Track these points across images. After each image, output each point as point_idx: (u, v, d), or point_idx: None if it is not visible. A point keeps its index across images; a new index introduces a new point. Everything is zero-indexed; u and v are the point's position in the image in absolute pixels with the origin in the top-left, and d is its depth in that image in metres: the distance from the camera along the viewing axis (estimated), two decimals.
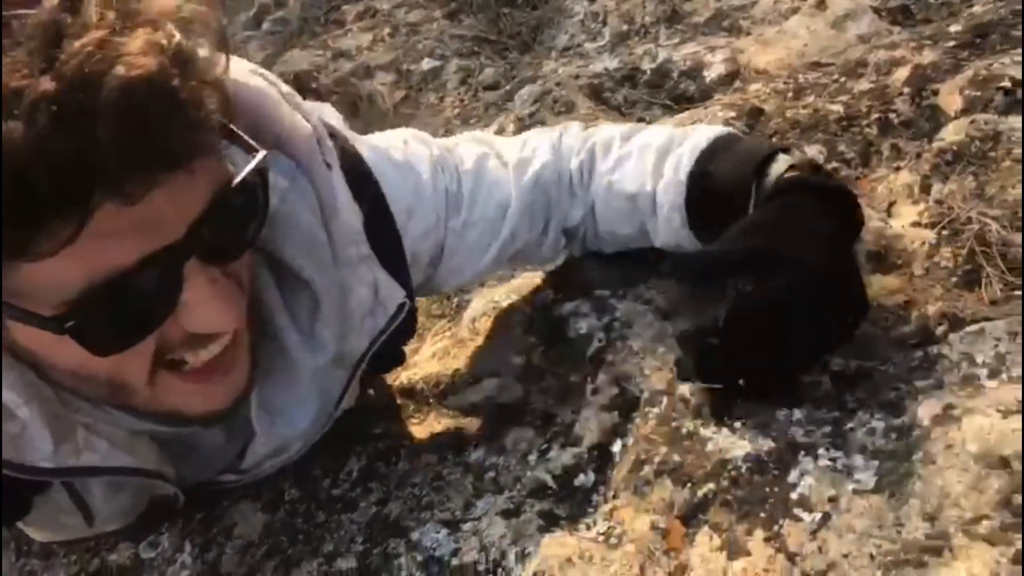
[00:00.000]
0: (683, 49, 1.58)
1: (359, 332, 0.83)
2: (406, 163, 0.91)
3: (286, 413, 0.82)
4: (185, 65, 0.53)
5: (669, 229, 0.93)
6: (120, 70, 0.48)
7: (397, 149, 0.92)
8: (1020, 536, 0.61)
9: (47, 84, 0.48)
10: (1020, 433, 0.66)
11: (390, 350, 0.93)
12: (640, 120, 1.44)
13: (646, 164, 0.94)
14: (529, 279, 1.15)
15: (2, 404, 0.64)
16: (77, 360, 0.61)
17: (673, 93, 1.49)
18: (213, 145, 0.59)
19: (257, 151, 0.61)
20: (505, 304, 1.13)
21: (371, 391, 1.08)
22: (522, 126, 1.60)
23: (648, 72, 1.55)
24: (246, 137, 0.61)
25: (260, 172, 0.61)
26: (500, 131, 1.62)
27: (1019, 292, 0.83)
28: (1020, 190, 0.95)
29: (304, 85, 2.05)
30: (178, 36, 0.52)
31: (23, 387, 0.65)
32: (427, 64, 2.07)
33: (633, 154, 0.96)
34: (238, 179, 0.60)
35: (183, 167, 0.55)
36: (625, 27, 1.79)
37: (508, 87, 1.84)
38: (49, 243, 0.52)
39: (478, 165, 0.95)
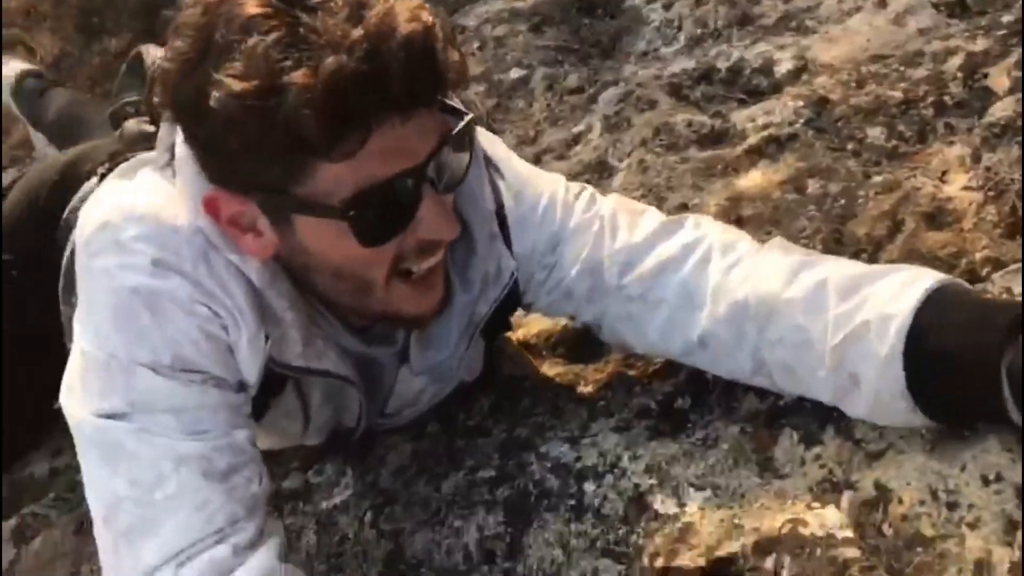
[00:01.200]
0: (754, 48, 1.74)
1: (484, 297, 1.01)
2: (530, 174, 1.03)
3: (436, 339, 1.01)
4: (442, 30, 0.75)
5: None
6: (404, 25, 0.71)
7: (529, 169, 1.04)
8: None
9: (358, 33, 0.69)
10: None
11: (501, 317, 1.08)
12: (716, 113, 1.61)
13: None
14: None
15: (272, 309, 0.84)
16: (342, 256, 0.81)
17: (747, 88, 1.66)
18: (449, 94, 0.80)
19: (466, 113, 0.82)
20: None
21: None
22: (608, 124, 1.78)
23: (723, 70, 1.72)
24: (456, 102, 0.83)
25: (469, 127, 0.82)
26: (587, 129, 1.81)
27: None
28: None
29: None
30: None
31: (289, 295, 0.85)
32: (515, 73, 2.26)
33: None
34: (458, 128, 0.81)
35: (435, 103, 0.77)
36: (699, 31, 1.96)
37: (592, 90, 2.02)
38: (348, 146, 0.71)
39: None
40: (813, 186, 1.29)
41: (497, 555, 0.96)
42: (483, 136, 0.98)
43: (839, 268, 0.86)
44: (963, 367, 0.73)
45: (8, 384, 1.31)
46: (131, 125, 1.16)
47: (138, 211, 0.82)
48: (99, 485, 0.82)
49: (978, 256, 1.01)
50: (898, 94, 1.37)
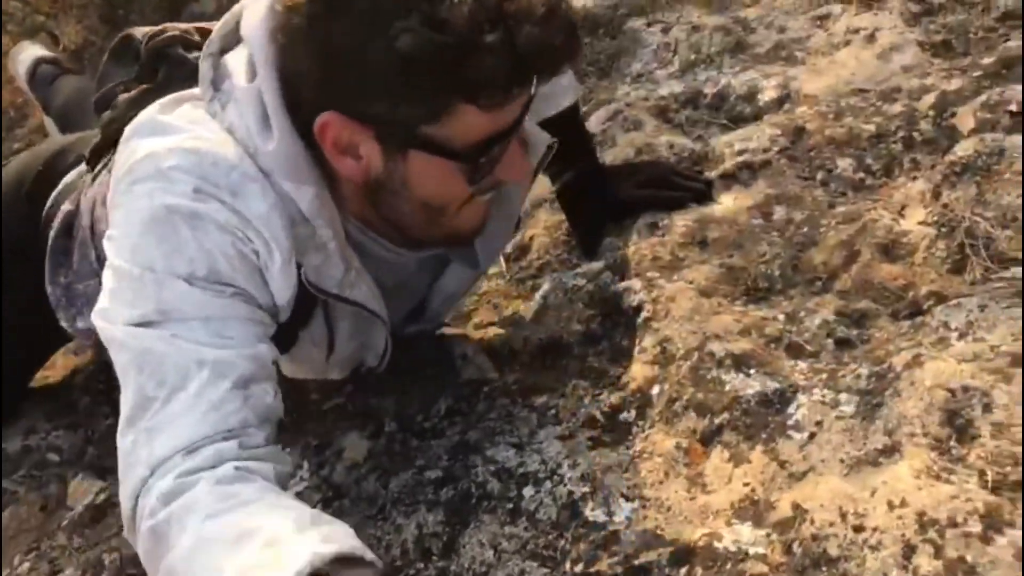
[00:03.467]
0: (742, 76, 1.77)
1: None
2: None
3: (493, 231, 1.08)
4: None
5: None
6: (565, 5, 0.82)
7: None
8: (957, 446, 0.78)
9: (541, 6, 0.79)
10: (967, 371, 0.84)
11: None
12: (699, 137, 1.64)
13: None
14: (590, 266, 1.36)
15: (318, 237, 0.91)
16: (441, 191, 0.91)
17: (730, 114, 1.68)
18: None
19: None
20: (571, 284, 1.34)
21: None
22: (596, 141, 1.81)
23: (709, 96, 1.75)
24: None
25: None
26: None
27: (995, 276, 1.00)
28: (1014, 197, 1.11)
29: None
30: None
31: (334, 224, 0.92)
32: None
33: None
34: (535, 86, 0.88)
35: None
36: (693, 56, 1.99)
37: (585, 108, 2.05)
38: (502, 99, 0.83)
39: None
40: (779, 212, 1.31)
41: (433, 553, 0.98)
42: None
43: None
44: None
45: None
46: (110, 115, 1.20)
47: (183, 144, 0.87)
48: (130, 387, 0.85)
49: (923, 290, 1.03)
50: (871, 128, 1.39)
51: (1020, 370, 0.83)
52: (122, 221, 0.90)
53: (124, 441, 0.85)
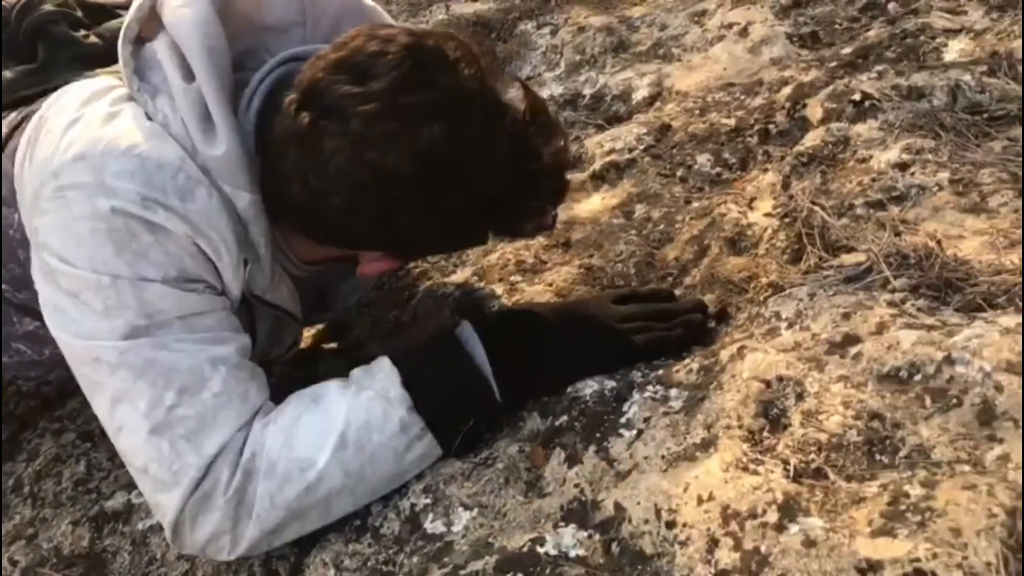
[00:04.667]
0: (620, 75, 1.78)
1: None
2: None
3: None
4: None
5: None
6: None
7: None
8: (768, 436, 0.79)
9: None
10: (784, 360, 0.85)
11: None
12: (576, 138, 1.64)
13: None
14: (460, 273, 1.35)
15: (251, 242, 0.91)
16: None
17: (606, 114, 1.69)
18: None
19: None
20: (440, 292, 1.33)
21: None
22: None
23: (587, 96, 1.76)
24: None
25: None
26: None
27: (827, 264, 1.01)
28: (854, 184, 1.13)
29: None
30: None
31: (267, 233, 0.92)
32: None
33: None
34: None
35: None
36: (578, 57, 2.00)
37: None
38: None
39: None
40: (640, 211, 1.32)
41: (280, 575, 0.96)
42: None
43: None
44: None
45: None
46: None
47: (119, 144, 0.85)
48: (139, 402, 0.86)
49: (763, 281, 1.05)
50: (732, 122, 1.41)
51: (835, 356, 0.85)
52: (59, 229, 0.87)
53: (154, 452, 0.87)
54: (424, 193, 0.82)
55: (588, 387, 0.96)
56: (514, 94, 0.86)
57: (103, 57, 1.10)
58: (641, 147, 1.45)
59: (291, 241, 0.98)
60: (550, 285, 1.20)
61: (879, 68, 1.34)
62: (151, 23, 0.93)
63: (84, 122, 0.88)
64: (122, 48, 0.92)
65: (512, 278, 1.25)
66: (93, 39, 1.14)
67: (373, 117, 0.79)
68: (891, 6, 1.68)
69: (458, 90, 0.81)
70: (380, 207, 0.83)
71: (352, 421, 0.90)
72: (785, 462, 0.75)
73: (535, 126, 0.87)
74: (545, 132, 0.88)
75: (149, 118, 0.88)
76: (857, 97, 1.25)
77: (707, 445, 0.81)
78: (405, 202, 0.83)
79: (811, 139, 1.25)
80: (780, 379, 0.83)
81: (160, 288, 0.86)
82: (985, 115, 1.19)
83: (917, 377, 0.78)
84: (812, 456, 0.75)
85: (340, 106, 0.80)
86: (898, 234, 1.03)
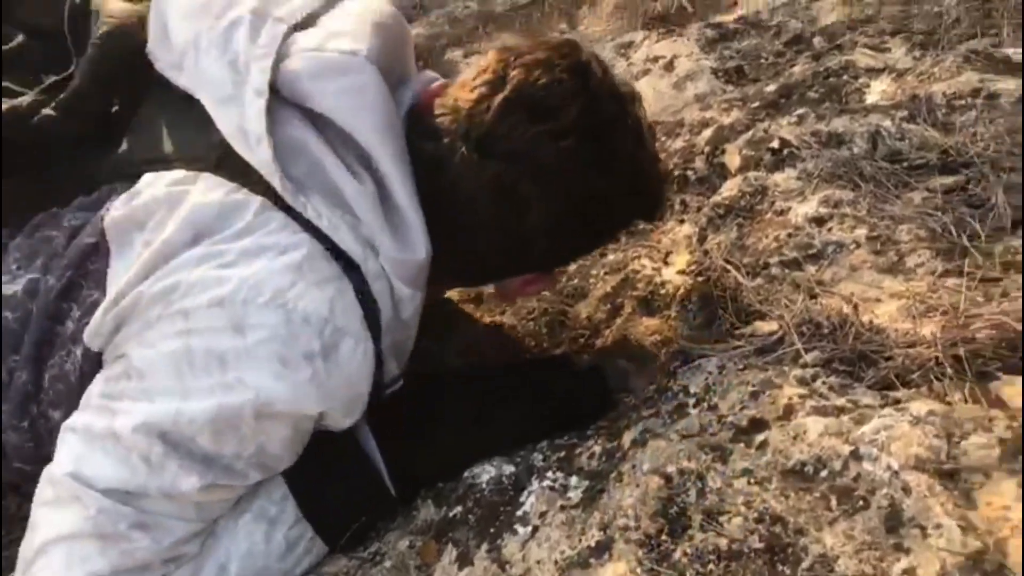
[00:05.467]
0: None
1: None
2: None
3: None
4: None
5: None
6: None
7: None
8: (666, 540, 0.73)
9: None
10: (687, 450, 0.79)
11: None
12: None
13: None
14: None
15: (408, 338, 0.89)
16: None
17: None
18: None
19: None
20: None
21: None
22: None
23: None
24: None
25: None
26: None
27: (738, 332, 0.96)
28: (771, 240, 1.08)
29: None
30: None
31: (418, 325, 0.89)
32: None
33: None
34: None
35: None
36: None
37: None
38: None
39: None
40: None
41: None
42: None
43: None
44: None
45: None
46: None
47: (264, 291, 0.73)
48: None
49: (675, 347, 0.99)
50: None
51: (740, 444, 0.79)
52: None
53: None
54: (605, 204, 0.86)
55: (486, 472, 0.89)
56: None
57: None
58: None
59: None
60: (458, 346, 1.13)
61: (800, 111, 1.30)
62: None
63: (220, 258, 0.75)
64: (257, 140, 0.76)
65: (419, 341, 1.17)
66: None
67: (571, 150, 0.80)
68: (816, 40, 1.65)
69: (616, 96, 0.85)
70: (581, 228, 0.87)
71: (233, 554, 0.81)
72: (681, 574, 0.69)
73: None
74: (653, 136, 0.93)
75: (306, 226, 0.77)
76: (776, 144, 1.20)
77: (602, 549, 0.74)
78: (598, 217, 0.87)
79: (728, 188, 1.20)
80: (681, 472, 0.77)
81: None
82: (905, 163, 1.15)
83: (823, 473, 0.72)
84: (711, 567, 0.69)
85: (532, 148, 0.79)
86: (813, 296, 0.98)
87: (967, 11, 1.51)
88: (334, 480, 0.86)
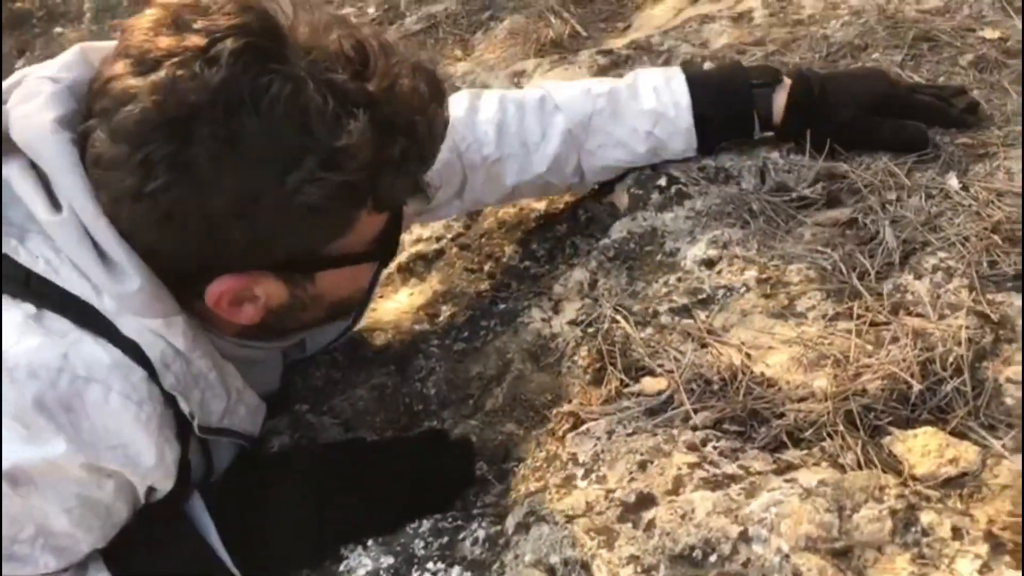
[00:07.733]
0: None
1: None
2: None
3: None
4: None
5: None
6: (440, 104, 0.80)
7: None
8: None
9: (428, 109, 0.78)
10: (571, 535, 0.73)
11: None
12: None
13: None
14: None
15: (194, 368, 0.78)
16: (355, 287, 0.89)
17: None
18: None
19: None
20: None
21: None
22: None
23: None
24: None
25: None
26: None
27: (627, 391, 0.91)
28: (660, 285, 1.04)
29: None
30: None
31: (208, 353, 0.80)
32: None
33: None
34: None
35: None
36: None
37: None
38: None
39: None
40: (445, 313, 1.20)
41: None
42: None
43: (605, 83, 1.18)
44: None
45: None
46: None
47: (20, 367, 0.69)
48: None
49: (565, 408, 0.93)
50: (542, 206, 1.31)
51: (627, 525, 0.73)
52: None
53: None
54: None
55: (362, 567, 0.82)
56: None
57: None
58: (449, 236, 1.33)
59: (224, 327, 0.84)
60: (336, 418, 1.05)
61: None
62: None
63: None
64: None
65: (297, 407, 1.09)
66: None
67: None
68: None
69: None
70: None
71: None
72: None
73: None
74: None
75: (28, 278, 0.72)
76: (663, 182, 1.16)
77: None
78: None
79: (618, 230, 1.15)
80: (566, 563, 0.71)
81: None
82: (793, 195, 1.12)
83: (712, 558, 0.67)
84: None
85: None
86: (704, 346, 0.94)
87: (855, 36, 1.51)
88: (166, 564, 0.78)
